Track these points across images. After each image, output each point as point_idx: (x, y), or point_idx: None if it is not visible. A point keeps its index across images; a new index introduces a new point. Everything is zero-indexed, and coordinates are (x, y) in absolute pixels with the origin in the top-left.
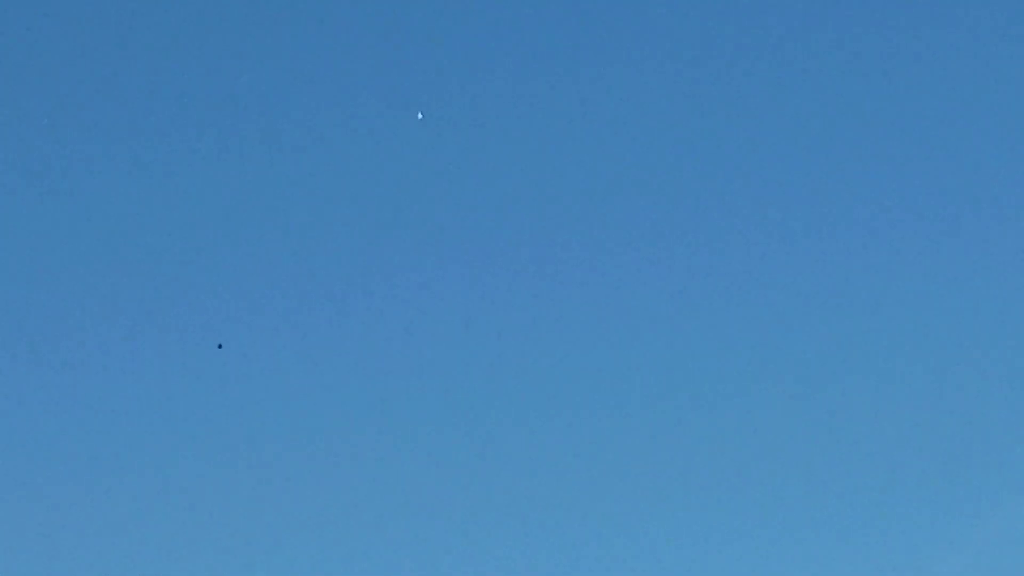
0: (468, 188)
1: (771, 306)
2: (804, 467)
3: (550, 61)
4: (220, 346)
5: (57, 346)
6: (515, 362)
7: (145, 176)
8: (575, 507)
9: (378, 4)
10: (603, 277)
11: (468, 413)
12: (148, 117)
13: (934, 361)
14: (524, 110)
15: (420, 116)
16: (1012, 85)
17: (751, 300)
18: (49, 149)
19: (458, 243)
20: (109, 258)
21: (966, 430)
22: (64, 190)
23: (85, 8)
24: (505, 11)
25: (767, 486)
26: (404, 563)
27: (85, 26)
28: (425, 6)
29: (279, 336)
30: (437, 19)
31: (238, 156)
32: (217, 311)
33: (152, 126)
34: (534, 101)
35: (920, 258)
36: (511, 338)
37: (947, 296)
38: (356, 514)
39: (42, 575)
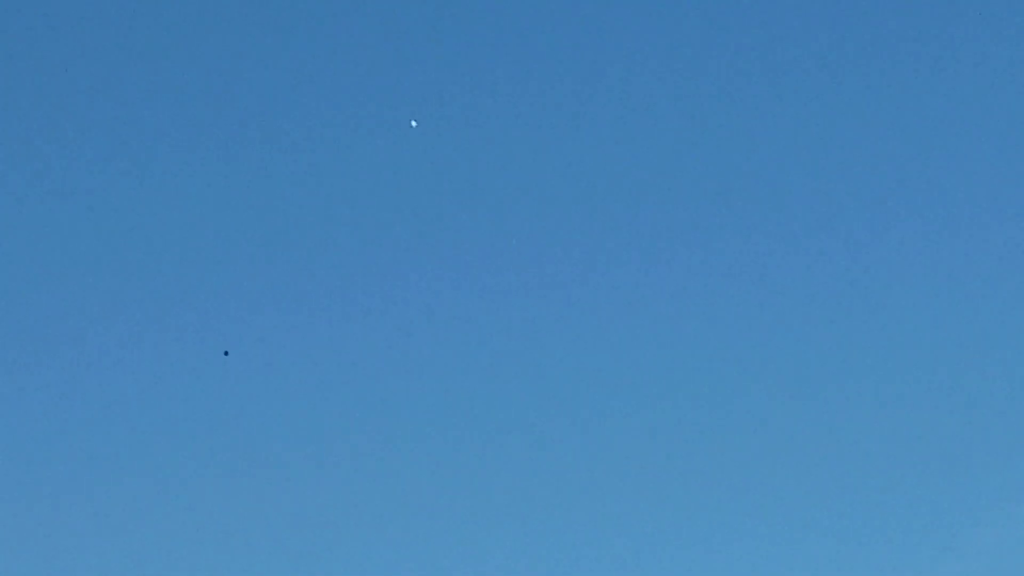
0: (471, 193)
1: (773, 311)
2: (806, 472)
3: (550, 62)
4: (227, 353)
5: (68, 351)
6: (515, 363)
7: (159, 188)
8: (575, 507)
9: (378, 5)
10: (603, 278)
11: (471, 415)
12: (163, 129)
13: (935, 367)
14: (524, 111)
15: (414, 124)
16: (1012, 85)
17: (752, 304)
18: (65, 158)
19: (460, 246)
20: (119, 267)
21: (967, 436)
22: (80, 201)
23: (86, 9)
24: (505, 12)
25: (769, 490)
26: (405, 563)
27: (87, 27)
28: (425, 9)
29: (284, 342)
30: (437, 21)
31: (246, 167)
32: (223, 317)
33: (168, 139)
34: (534, 102)
35: (922, 262)
36: (512, 339)
37: (949, 303)
38: (357, 514)
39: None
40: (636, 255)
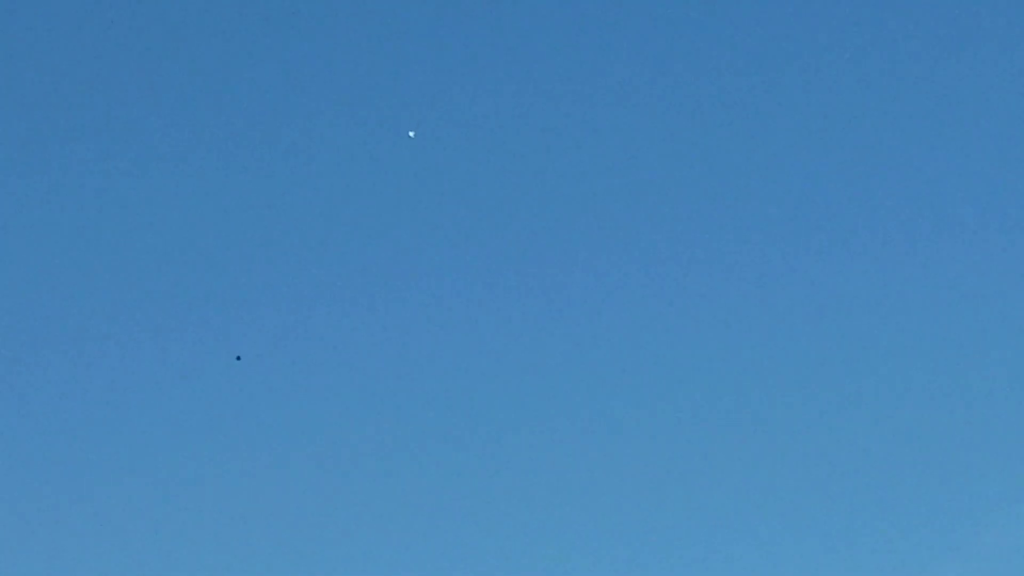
0: (472, 195)
1: (773, 311)
2: (809, 473)
3: (550, 63)
4: (239, 358)
5: (71, 351)
6: (516, 363)
7: (172, 196)
8: (575, 507)
9: (378, 9)
10: (603, 279)
11: (471, 415)
12: (174, 135)
13: (938, 369)
14: (524, 111)
15: (412, 135)
16: (1012, 85)
17: (752, 304)
18: (73, 160)
19: (462, 247)
20: (124, 272)
21: (969, 438)
22: (94, 206)
23: (87, 9)
24: (505, 13)
25: (772, 492)
26: (405, 563)
27: (87, 27)
28: (423, 12)
29: (289, 345)
30: (437, 21)
31: (257, 174)
32: (234, 322)
33: (181, 147)
34: (534, 102)
35: (923, 263)
36: (513, 339)
37: (952, 304)
38: (359, 514)
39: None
40: (636, 255)
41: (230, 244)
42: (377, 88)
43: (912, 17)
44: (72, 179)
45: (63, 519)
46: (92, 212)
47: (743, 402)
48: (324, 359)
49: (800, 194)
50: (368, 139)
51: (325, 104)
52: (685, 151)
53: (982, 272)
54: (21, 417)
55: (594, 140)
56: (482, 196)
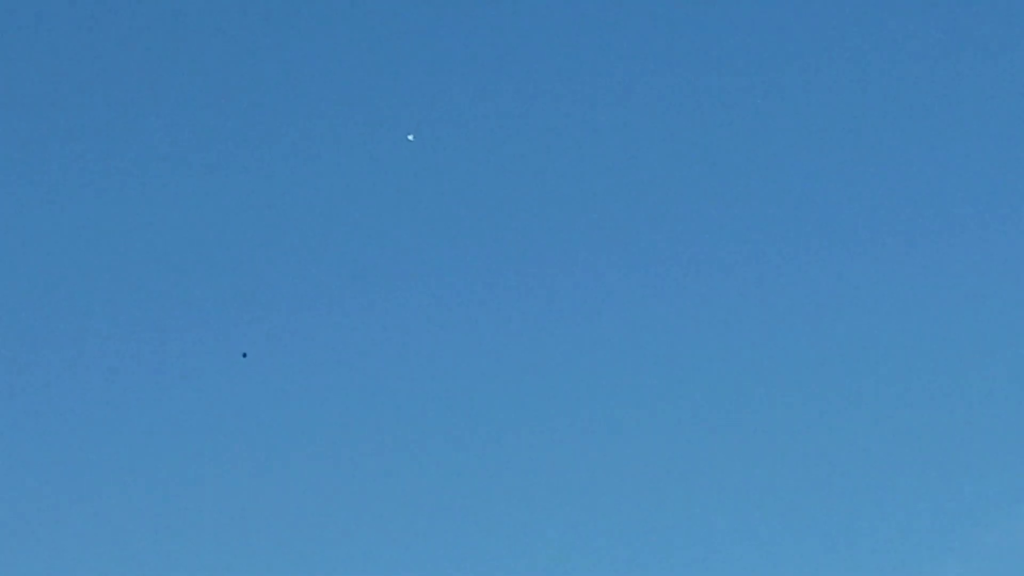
0: (473, 197)
1: (773, 311)
2: (810, 473)
3: (549, 64)
4: (245, 355)
5: (73, 352)
6: (516, 363)
7: (178, 198)
8: (575, 507)
9: (378, 11)
10: (603, 279)
11: (471, 415)
12: (174, 140)
13: (938, 369)
14: (524, 111)
15: (411, 138)
16: (1013, 85)
17: (752, 304)
18: (73, 160)
19: (463, 250)
20: (127, 273)
21: (968, 439)
22: (93, 206)
23: (88, 9)
24: (505, 14)
25: (773, 492)
26: (405, 563)
27: (88, 27)
28: (422, 14)
29: (292, 345)
30: (437, 22)
31: (260, 175)
32: (234, 322)
33: (184, 150)
34: (535, 103)
35: (923, 263)
36: (514, 341)
37: (952, 304)
38: (359, 514)
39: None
40: (636, 255)
41: (230, 245)
42: (377, 90)
43: (912, 17)
44: (73, 179)
45: (63, 519)
46: (93, 212)
47: (743, 402)
48: (324, 359)
49: (800, 194)
50: (368, 141)
51: (327, 106)
52: (685, 151)
53: (982, 272)
54: (21, 417)
55: (594, 141)
56: (482, 197)
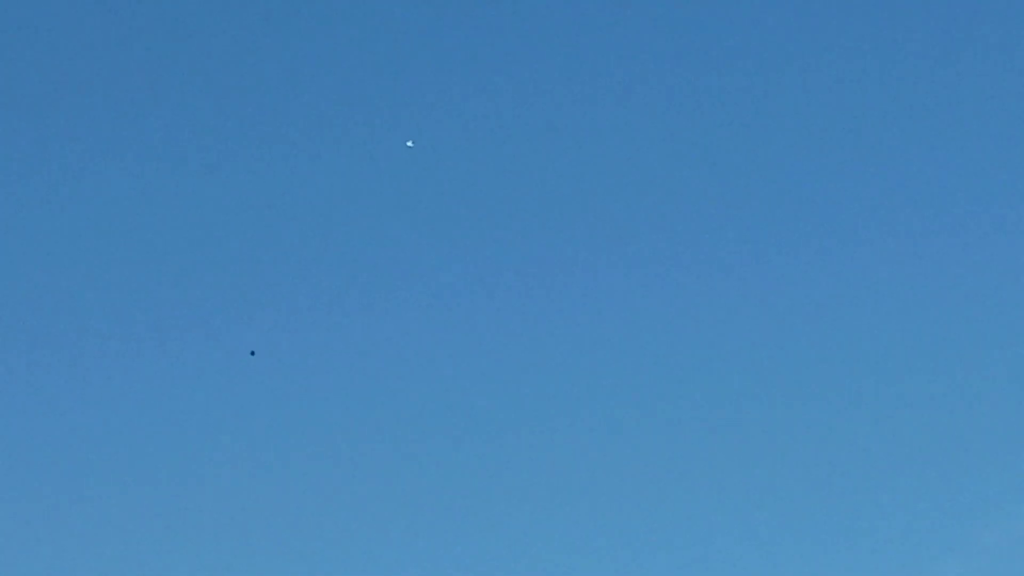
0: (475, 199)
1: (773, 311)
2: (810, 472)
3: (548, 67)
4: (252, 353)
5: (75, 352)
6: (516, 364)
7: (185, 197)
8: (575, 507)
9: (377, 14)
10: (603, 279)
11: (471, 415)
12: (175, 142)
13: (938, 368)
14: (525, 112)
15: (410, 144)
16: (1013, 85)
17: (752, 304)
18: (74, 160)
19: (463, 251)
20: (139, 270)
21: (968, 438)
22: (94, 206)
23: (88, 9)
24: (505, 15)
25: (773, 491)
26: (405, 563)
27: (88, 27)
28: (422, 18)
29: (293, 345)
30: (437, 22)
31: (264, 176)
32: (235, 322)
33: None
34: (535, 103)
35: (923, 263)
36: (514, 341)
37: (952, 304)
38: (359, 514)
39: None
40: (636, 255)
41: (231, 246)
42: (379, 91)
43: (912, 17)
44: (73, 179)
45: (64, 519)
46: (93, 212)
47: (743, 402)
48: (324, 359)
49: (800, 194)
50: (370, 142)
51: (332, 108)
52: (685, 151)
53: (982, 272)
54: (21, 417)
55: (594, 141)
56: (482, 198)
